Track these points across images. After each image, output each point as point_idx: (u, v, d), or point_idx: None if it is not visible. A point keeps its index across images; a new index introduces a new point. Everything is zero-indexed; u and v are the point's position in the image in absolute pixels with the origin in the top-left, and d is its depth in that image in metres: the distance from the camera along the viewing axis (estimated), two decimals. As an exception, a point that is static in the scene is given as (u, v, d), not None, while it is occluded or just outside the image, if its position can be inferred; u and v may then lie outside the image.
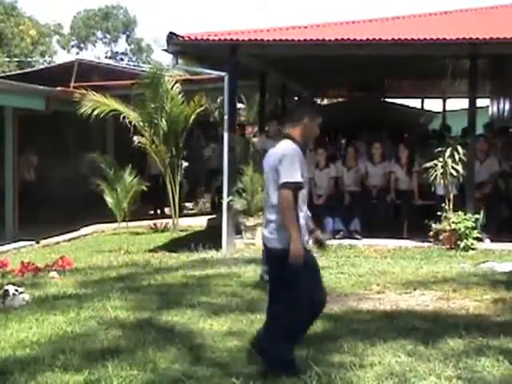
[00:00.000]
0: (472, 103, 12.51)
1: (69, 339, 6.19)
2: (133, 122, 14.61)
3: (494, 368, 5.33)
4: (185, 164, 20.57)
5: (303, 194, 5.22)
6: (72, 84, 17.74)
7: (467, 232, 11.42)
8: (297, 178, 5.10)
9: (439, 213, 11.67)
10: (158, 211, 18.57)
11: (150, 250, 12.80)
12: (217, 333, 6.39)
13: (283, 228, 5.09)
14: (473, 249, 11.41)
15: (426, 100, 23.72)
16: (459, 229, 11.44)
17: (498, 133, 15.35)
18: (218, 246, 11.76)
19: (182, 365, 5.50)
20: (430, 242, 11.81)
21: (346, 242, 12.12)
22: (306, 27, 13.35)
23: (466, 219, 11.48)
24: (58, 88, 16.17)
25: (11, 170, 14.70)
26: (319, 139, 14.84)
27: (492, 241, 11.89)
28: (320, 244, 5.53)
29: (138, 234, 15.33)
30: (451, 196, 11.76)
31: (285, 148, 5.20)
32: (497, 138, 14.02)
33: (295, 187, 5.10)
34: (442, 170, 11.71)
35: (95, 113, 14.05)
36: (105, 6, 60.36)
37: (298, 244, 5.01)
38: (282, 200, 5.07)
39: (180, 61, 12.93)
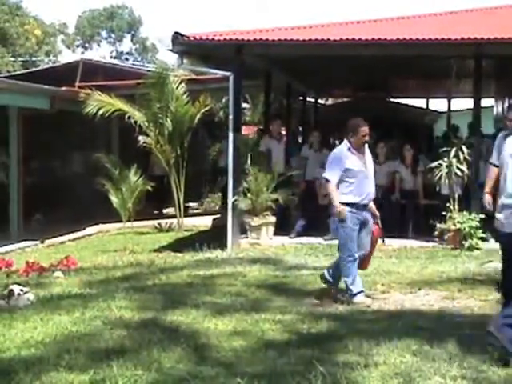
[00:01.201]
0: (477, 103, 12.50)
1: (74, 339, 6.18)
2: (138, 122, 14.61)
3: (499, 367, 5.32)
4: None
5: None
6: (77, 84, 17.76)
7: (472, 232, 11.40)
8: None
9: (444, 212, 11.66)
10: (163, 211, 18.57)
11: (155, 250, 12.80)
12: (222, 332, 6.38)
13: None
14: (477, 249, 11.39)
15: (430, 100, 23.71)
16: (464, 228, 11.43)
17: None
18: (222, 245, 11.76)
19: (186, 364, 5.49)
20: (435, 241, 11.80)
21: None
22: (310, 27, 13.35)
23: (470, 219, 11.46)
24: (63, 88, 16.20)
25: (16, 170, 14.72)
26: (324, 139, 14.96)
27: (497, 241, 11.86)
28: None
29: (142, 233, 15.34)
30: (456, 196, 11.76)
31: None
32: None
33: None
34: (446, 170, 11.71)
35: (100, 112, 14.05)
36: (110, 6, 60.58)
37: None
38: None
39: (185, 60, 12.96)
